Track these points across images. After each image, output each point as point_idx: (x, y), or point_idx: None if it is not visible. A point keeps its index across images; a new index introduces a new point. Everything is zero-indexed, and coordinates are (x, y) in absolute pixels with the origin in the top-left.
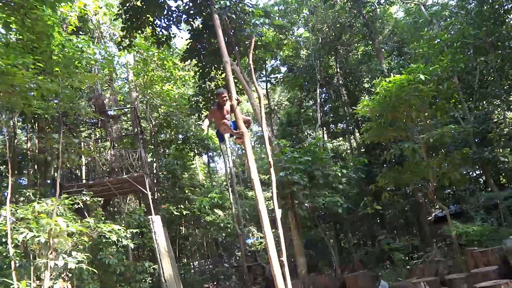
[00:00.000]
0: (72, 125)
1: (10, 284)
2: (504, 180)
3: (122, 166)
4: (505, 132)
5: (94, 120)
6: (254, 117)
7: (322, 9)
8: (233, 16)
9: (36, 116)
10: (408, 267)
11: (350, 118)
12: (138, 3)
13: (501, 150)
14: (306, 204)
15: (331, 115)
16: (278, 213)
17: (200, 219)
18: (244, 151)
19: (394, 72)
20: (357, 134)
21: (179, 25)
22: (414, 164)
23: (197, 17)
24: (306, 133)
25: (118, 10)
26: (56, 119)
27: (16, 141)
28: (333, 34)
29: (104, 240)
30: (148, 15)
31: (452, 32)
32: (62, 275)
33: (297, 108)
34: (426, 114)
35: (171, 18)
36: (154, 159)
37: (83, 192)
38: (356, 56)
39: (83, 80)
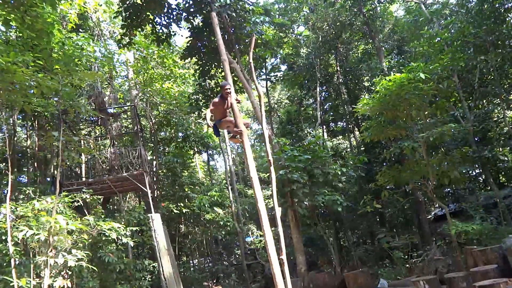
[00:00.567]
0: (72, 123)
1: (10, 282)
2: (503, 179)
3: (122, 164)
4: (505, 131)
5: (94, 118)
6: (254, 115)
7: (322, 8)
8: (233, 14)
9: (36, 113)
10: (407, 265)
11: (350, 117)
12: (138, 1)
13: (500, 149)
14: (305, 202)
15: (331, 113)
16: (278, 211)
17: (199, 217)
18: (243, 149)
19: (394, 70)
20: (357, 133)
21: (179, 23)
22: (413, 163)
23: (197, 15)
24: (306, 132)
25: (118, 8)
26: (56, 117)
27: (16, 138)
28: (333, 32)
29: (104, 238)
30: (148, 13)
31: (452, 30)
32: (62, 273)
33: (297, 106)
34: (426, 112)
35: (171, 16)
36: (154, 157)
37: (83, 190)
38: (356, 54)
39: (83, 78)
